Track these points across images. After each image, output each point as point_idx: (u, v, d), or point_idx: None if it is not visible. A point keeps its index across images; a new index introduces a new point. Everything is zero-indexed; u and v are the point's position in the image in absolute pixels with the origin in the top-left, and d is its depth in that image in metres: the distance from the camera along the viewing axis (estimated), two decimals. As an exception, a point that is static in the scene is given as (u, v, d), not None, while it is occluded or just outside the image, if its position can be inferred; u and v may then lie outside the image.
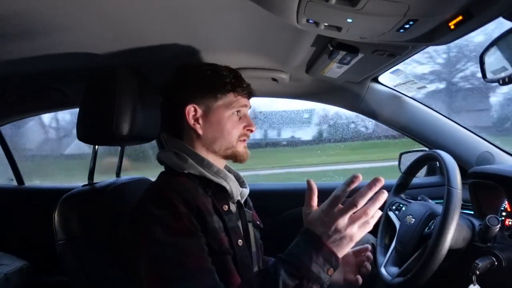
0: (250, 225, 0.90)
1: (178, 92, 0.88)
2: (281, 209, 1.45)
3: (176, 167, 0.84)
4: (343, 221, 0.63)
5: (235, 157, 0.89)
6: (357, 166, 3.24)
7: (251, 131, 0.90)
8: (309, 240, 0.65)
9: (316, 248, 0.64)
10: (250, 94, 0.92)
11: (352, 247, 0.68)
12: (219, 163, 0.89)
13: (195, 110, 0.86)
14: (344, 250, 0.65)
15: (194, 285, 0.67)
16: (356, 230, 0.64)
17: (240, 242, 0.83)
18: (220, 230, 0.79)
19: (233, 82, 0.87)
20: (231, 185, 0.86)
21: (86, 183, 1.00)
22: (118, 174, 1.18)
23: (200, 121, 0.86)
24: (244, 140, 0.90)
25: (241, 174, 0.97)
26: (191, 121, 0.86)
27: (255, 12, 0.74)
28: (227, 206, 0.84)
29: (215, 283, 0.69)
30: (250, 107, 0.92)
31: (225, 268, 0.76)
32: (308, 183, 0.74)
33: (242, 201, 0.91)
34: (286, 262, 0.65)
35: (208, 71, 0.88)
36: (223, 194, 0.85)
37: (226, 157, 0.90)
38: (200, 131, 0.86)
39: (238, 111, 0.88)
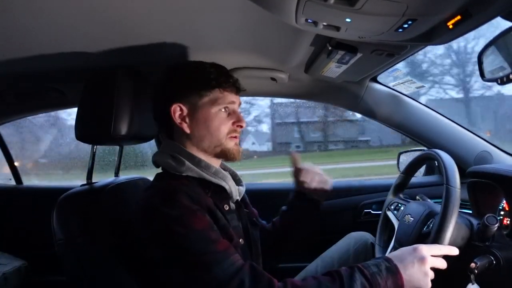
0: (248, 224, 0.91)
1: (163, 92, 0.87)
2: (278, 209, 1.45)
3: (174, 170, 0.83)
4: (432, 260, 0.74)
5: (225, 155, 0.87)
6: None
7: (241, 126, 0.87)
8: (391, 269, 0.72)
9: (393, 279, 0.71)
10: (238, 89, 0.89)
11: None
12: (213, 162, 0.87)
13: (181, 109, 0.84)
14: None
15: (230, 263, 0.69)
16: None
17: (241, 241, 0.84)
18: (227, 227, 0.80)
19: (217, 78, 0.85)
20: (230, 184, 0.86)
21: (85, 182, 1.00)
22: (116, 174, 1.18)
23: (187, 119, 0.84)
24: (235, 137, 0.87)
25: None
26: (178, 120, 0.84)
27: (254, 12, 0.74)
28: (227, 206, 0.84)
29: (242, 260, 0.73)
30: (240, 103, 0.90)
31: None
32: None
33: (239, 199, 0.91)
34: (364, 276, 0.70)
35: (192, 68, 0.87)
36: (223, 194, 0.85)
37: (216, 156, 0.87)
38: (187, 130, 0.84)
39: (226, 108, 0.86)
